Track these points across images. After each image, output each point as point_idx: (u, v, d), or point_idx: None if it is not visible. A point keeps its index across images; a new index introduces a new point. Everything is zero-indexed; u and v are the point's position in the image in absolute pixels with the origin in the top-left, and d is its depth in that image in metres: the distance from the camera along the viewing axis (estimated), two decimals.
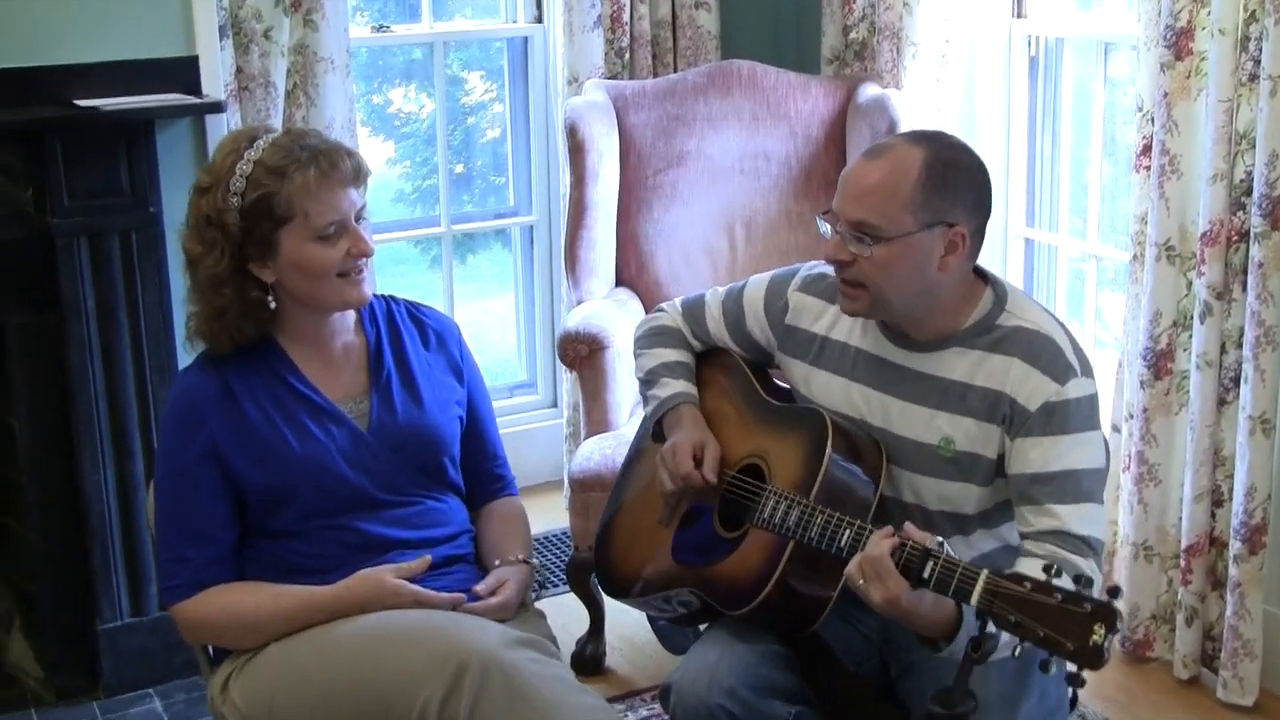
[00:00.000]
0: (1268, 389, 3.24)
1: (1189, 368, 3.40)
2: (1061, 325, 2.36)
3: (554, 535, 4.32)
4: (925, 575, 2.07)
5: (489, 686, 2.11)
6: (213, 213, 2.34)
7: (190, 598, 2.36)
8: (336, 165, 2.34)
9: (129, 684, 3.55)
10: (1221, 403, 3.37)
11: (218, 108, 3.48)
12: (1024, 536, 2.28)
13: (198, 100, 3.45)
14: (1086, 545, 2.24)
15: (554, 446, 4.60)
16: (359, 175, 2.39)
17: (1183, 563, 3.46)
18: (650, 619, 3.14)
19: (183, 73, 3.47)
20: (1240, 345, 3.28)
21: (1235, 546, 3.32)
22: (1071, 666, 1.94)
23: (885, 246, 2.26)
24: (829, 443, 2.33)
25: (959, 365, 2.33)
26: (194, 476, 2.36)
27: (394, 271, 5.51)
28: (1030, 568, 2.17)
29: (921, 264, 2.27)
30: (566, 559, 3.72)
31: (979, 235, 2.34)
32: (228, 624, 2.36)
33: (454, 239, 4.67)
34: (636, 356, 2.69)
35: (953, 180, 2.28)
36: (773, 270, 2.62)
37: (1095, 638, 1.91)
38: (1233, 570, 3.33)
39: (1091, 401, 2.31)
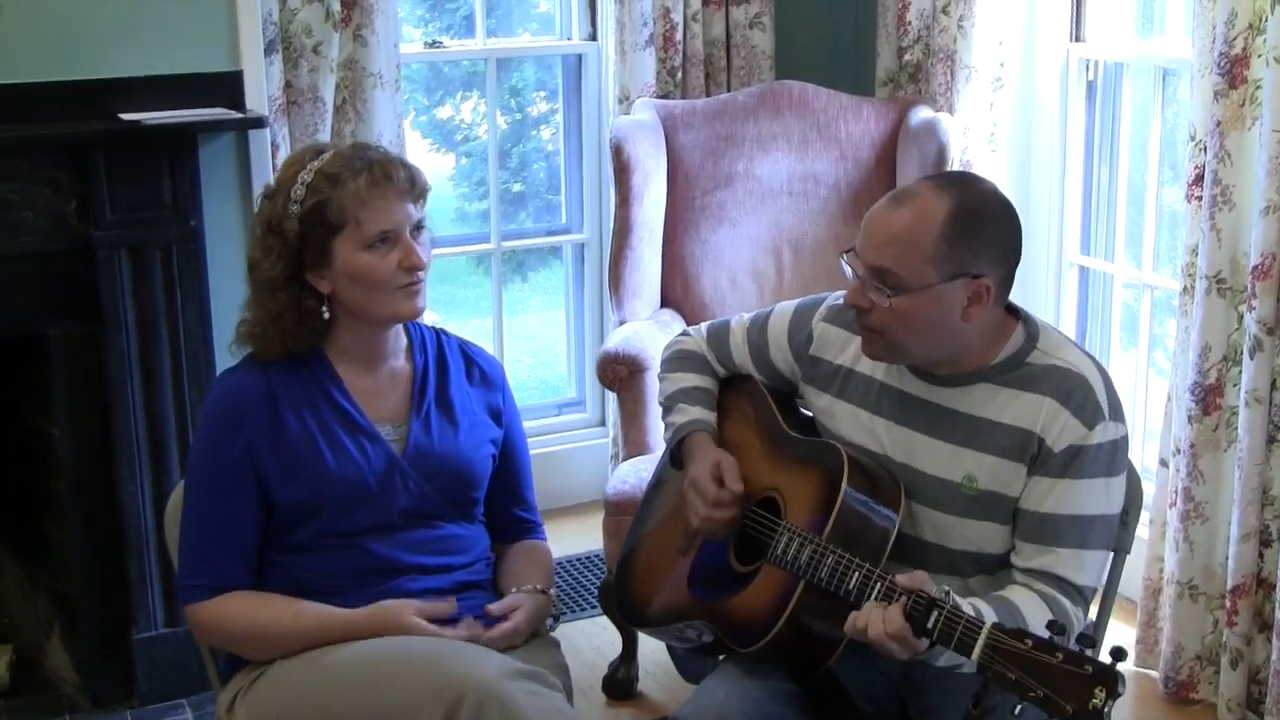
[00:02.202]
0: None
1: (1238, 404, 3.31)
2: (1096, 364, 2.31)
3: (596, 556, 4.29)
4: (929, 625, 2.04)
5: (485, 718, 2.09)
6: (274, 219, 2.36)
7: (209, 600, 2.37)
8: (390, 175, 2.35)
9: (163, 693, 3.57)
10: (1271, 440, 3.28)
11: (260, 123, 3.49)
12: (1018, 569, 2.25)
13: (241, 115, 3.46)
14: (1078, 593, 2.21)
15: (600, 465, 4.58)
16: (415, 188, 2.39)
17: (1229, 603, 3.37)
18: (669, 648, 3.10)
19: (227, 87, 3.48)
20: None
21: None
22: None
23: (905, 298, 2.20)
24: (844, 480, 2.28)
25: (987, 402, 2.28)
26: (228, 478, 2.36)
27: (450, 288, 5.53)
28: (1034, 605, 2.14)
29: (943, 315, 2.22)
30: (599, 582, 3.70)
31: (1007, 283, 2.28)
32: (241, 633, 2.37)
33: (510, 255, 4.67)
34: (659, 381, 2.66)
35: (978, 230, 2.21)
36: (799, 298, 2.58)
37: (1095, 701, 1.87)
38: (1279, 613, 3.24)
39: (1115, 446, 2.26)
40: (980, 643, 1.97)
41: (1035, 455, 2.24)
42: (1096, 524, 2.24)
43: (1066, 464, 2.22)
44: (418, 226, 2.40)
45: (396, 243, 2.36)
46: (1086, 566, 2.23)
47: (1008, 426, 2.26)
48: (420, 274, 2.40)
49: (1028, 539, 2.25)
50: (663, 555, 2.52)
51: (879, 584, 2.13)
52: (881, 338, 2.25)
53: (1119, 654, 1.90)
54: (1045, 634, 1.95)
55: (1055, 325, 4.15)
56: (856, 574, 2.17)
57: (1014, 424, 2.26)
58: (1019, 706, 1.93)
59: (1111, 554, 2.35)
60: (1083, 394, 2.24)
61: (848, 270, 2.27)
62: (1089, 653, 1.91)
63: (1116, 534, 2.44)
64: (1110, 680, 1.87)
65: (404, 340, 2.53)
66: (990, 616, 2.08)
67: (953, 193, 2.22)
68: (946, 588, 2.09)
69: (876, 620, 2.08)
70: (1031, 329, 2.33)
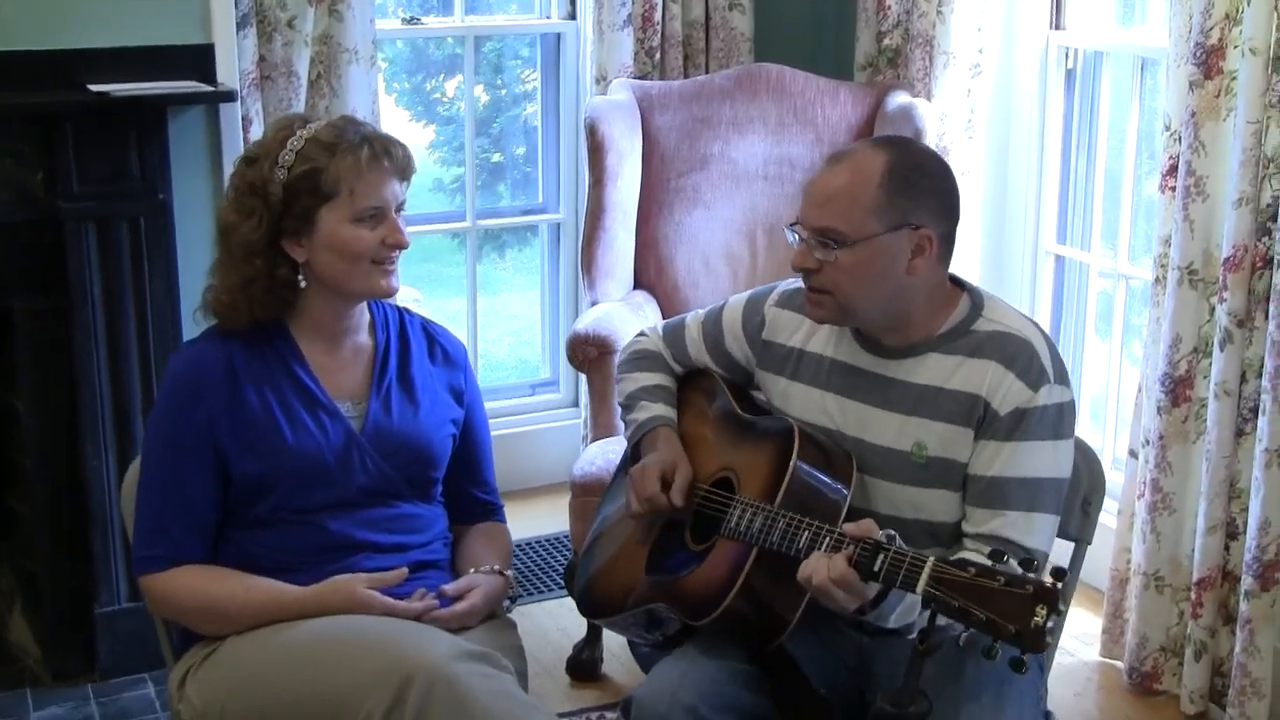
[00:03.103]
0: None
1: (1208, 396, 3.31)
2: (1040, 330, 2.35)
3: (565, 537, 4.28)
4: (876, 569, 2.07)
5: (434, 700, 2.08)
6: (257, 181, 2.35)
7: (164, 571, 2.35)
8: (389, 152, 2.37)
9: (125, 668, 3.55)
10: (1239, 433, 3.28)
11: (230, 97, 3.46)
12: (967, 535, 2.27)
13: (211, 89, 3.43)
14: (1029, 556, 2.19)
15: (573, 446, 4.56)
16: (406, 169, 2.41)
17: (1194, 595, 3.37)
18: (631, 644, 3.11)
19: (198, 60, 3.45)
20: (1260, 375, 3.19)
21: (1247, 582, 3.23)
22: (1014, 651, 1.93)
23: (850, 251, 2.24)
24: (795, 450, 2.31)
25: (934, 370, 2.31)
26: (187, 447, 2.35)
27: (436, 266, 5.52)
28: (975, 556, 2.15)
29: (888, 267, 2.26)
30: (566, 563, 3.69)
31: (948, 241, 2.32)
32: (194, 607, 2.35)
33: (488, 232, 4.64)
34: (618, 381, 2.69)
35: (916, 183, 2.26)
36: (751, 290, 2.61)
37: (1037, 619, 1.91)
38: (1244, 606, 3.24)
39: (1061, 409, 2.28)
40: (924, 575, 2.00)
41: (982, 419, 2.27)
42: (1044, 486, 2.26)
43: (1013, 427, 2.25)
44: (400, 206, 2.41)
45: (383, 220, 2.36)
46: (1036, 529, 2.26)
47: (954, 392, 2.29)
48: (398, 252, 2.40)
49: (977, 504, 2.28)
50: (621, 548, 2.53)
51: (828, 537, 2.15)
52: (831, 298, 2.29)
53: (1059, 573, 1.94)
54: (987, 562, 1.98)
55: (1030, 314, 4.18)
56: (807, 532, 2.19)
57: (960, 389, 2.29)
58: (963, 634, 1.97)
59: (1058, 518, 2.35)
60: (1027, 357, 2.28)
61: (792, 238, 2.31)
62: (1030, 575, 1.94)
63: (1078, 524, 2.46)
64: (1051, 597, 1.91)
65: (366, 317, 2.52)
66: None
67: (889, 149, 2.29)
68: (892, 531, 2.12)
69: (821, 567, 2.10)
70: (976, 298, 2.37)
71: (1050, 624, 1.91)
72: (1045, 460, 2.26)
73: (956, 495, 2.31)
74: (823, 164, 2.33)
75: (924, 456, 2.30)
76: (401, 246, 2.39)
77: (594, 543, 2.62)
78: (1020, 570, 1.95)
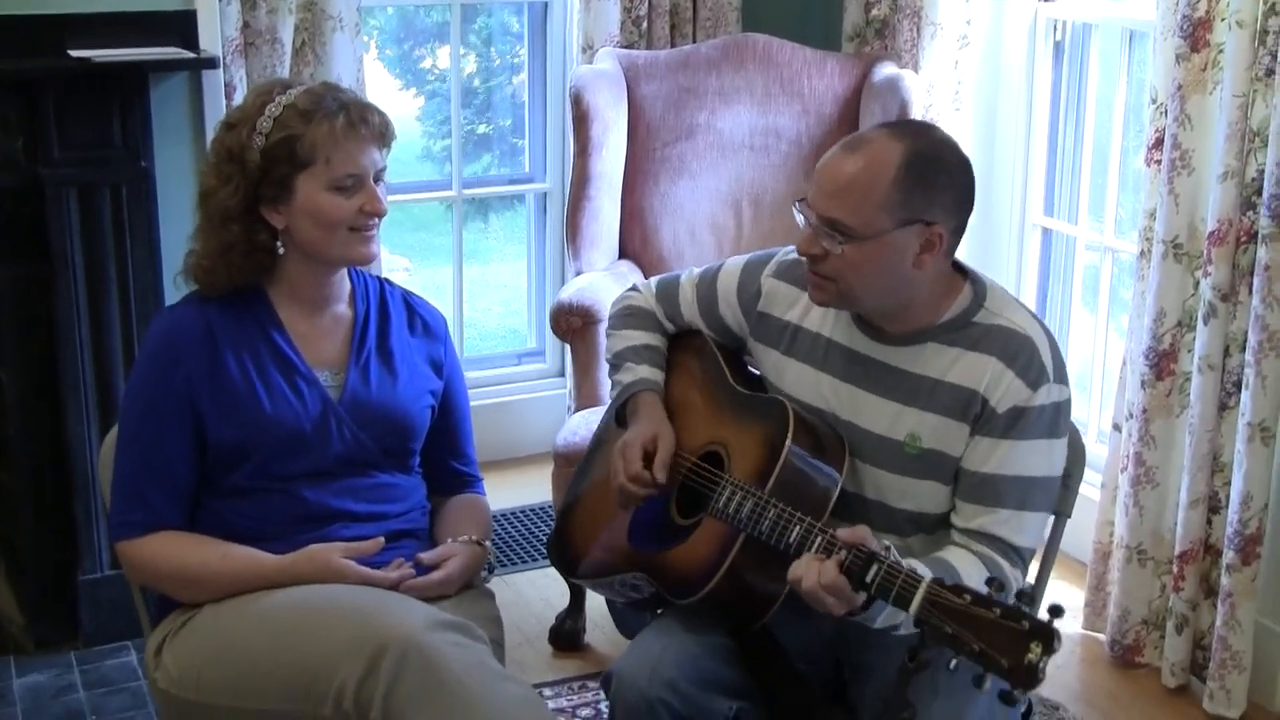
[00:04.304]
0: (1269, 396, 3.15)
1: (1191, 369, 3.30)
2: (1042, 326, 2.30)
3: (548, 506, 4.28)
4: (867, 580, 2.03)
5: (406, 670, 2.07)
6: (235, 148, 2.33)
7: (141, 537, 2.35)
8: (365, 119, 2.34)
9: (108, 635, 3.55)
10: (1223, 407, 3.28)
11: (212, 63, 3.45)
12: (957, 529, 2.24)
13: (194, 55, 3.41)
14: (1017, 554, 2.21)
15: (559, 416, 4.55)
16: (385, 135, 2.38)
17: (1175, 569, 3.37)
18: (608, 602, 3.09)
19: (180, 27, 3.44)
20: (1244, 349, 3.18)
21: (1229, 555, 3.24)
22: (1004, 685, 1.89)
23: (857, 246, 2.18)
24: (789, 435, 2.27)
25: (933, 361, 2.27)
26: (165, 411, 2.34)
27: (427, 235, 5.50)
28: (971, 566, 2.14)
29: (895, 263, 2.20)
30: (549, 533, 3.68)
31: (959, 233, 2.26)
32: (171, 573, 2.35)
33: (475, 201, 4.62)
34: (607, 337, 2.63)
35: (933, 178, 2.19)
36: (749, 254, 2.56)
37: (1031, 656, 1.86)
38: (1225, 580, 3.25)
39: (1058, 409, 2.25)
40: (919, 597, 1.96)
41: (978, 415, 2.23)
42: (1037, 486, 2.23)
43: (1009, 425, 2.22)
44: (379, 173, 2.39)
45: (360, 188, 2.35)
46: (1026, 528, 2.23)
47: (951, 385, 2.25)
48: (376, 220, 2.39)
49: (968, 499, 2.25)
50: (602, 510, 2.50)
51: (819, 538, 2.12)
52: (834, 285, 2.24)
53: (1056, 611, 1.89)
54: (984, 590, 1.95)
55: (1016, 287, 4.18)
56: (798, 528, 2.16)
57: (958, 383, 2.25)
58: (954, 660, 1.93)
59: (1052, 517, 2.35)
60: (1028, 355, 2.23)
61: (800, 218, 2.25)
62: (1027, 609, 1.90)
63: (1059, 497, 2.44)
64: (1046, 636, 1.86)
65: (347, 286, 2.51)
66: (928, 574, 2.08)
67: (908, 139, 2.20)
68: (888, 543, 2.09)
69: (812, 572, 2.07)
70: (979, 288, 2.31)
71: (1043, 664, 1.86)
72: (1040, 459, 2.23)
73: (946, 488, 2.28)
74: (837, 148, 2.23)
75: (917, 448, 2.27)
76: (379, 214, 2.37)
77: (575, 503, 2.60)
78: (1016, 604, 1.91)
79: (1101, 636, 3.61)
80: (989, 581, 1.98)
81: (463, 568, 2.42)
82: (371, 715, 2.09)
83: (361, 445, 2.41)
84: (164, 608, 2.41)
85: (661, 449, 2.38)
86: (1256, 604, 3.27)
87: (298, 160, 2.31)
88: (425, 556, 2.40)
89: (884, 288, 2.23)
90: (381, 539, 2.37)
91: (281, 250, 2.38)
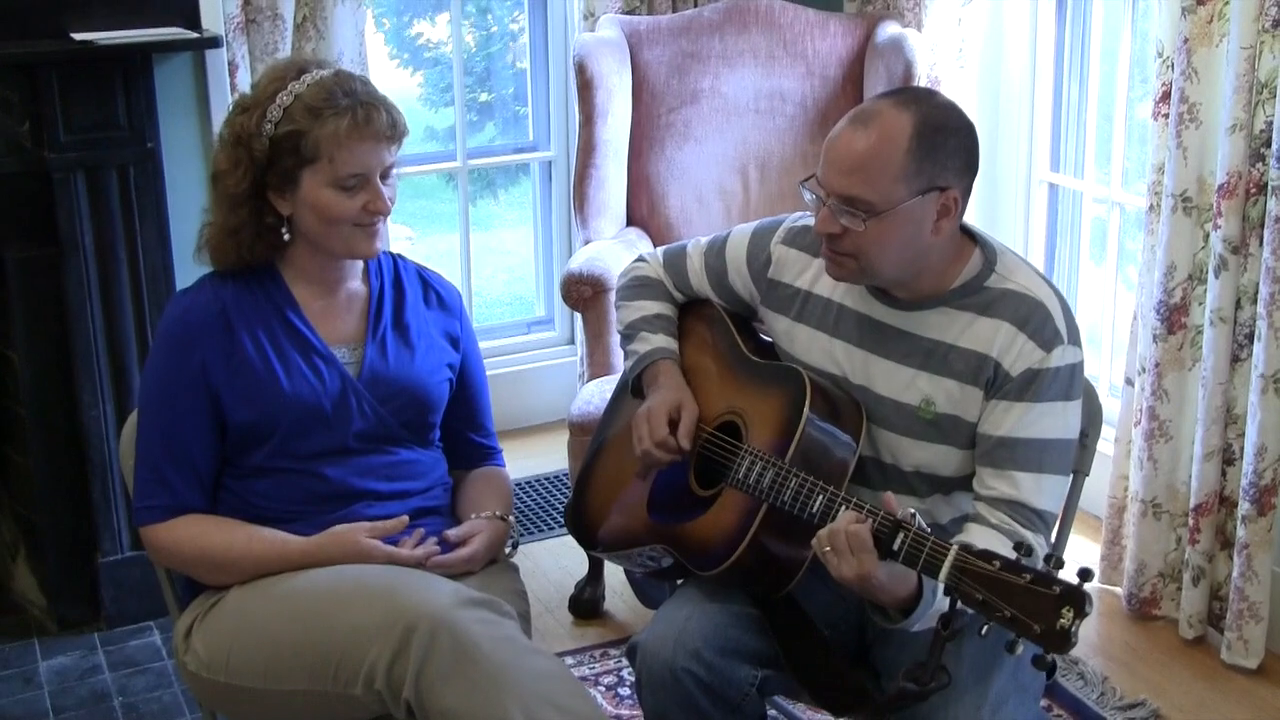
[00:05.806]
0: None
1: (1203, 323, 3.31)
2: (1053, 289, 2.30)
3: (564, 475, 4.29)
4: (895, 547, 2.04)
5: (436, 649, 2.09)
6: (244, 134, 2.33)
7: (164, 522, 2.35)
8: (371, 119, 2.31)
9: (130, 616, 3.58)
10: (1235, 359, 3.28)
11: (215, 43, 3.43)
12: (978, 498, 2.25)
13: (196, 35, 3.40)
14: (1039, 518, 2.21)
15: (569, 384, 4.57)
16: (395, 132, 2.36)
17: (1191, 521, 3.39)
18: (627, 573, 3.11)
19: (183, 6, 3.41)
20: (1255, 301, 3.19)
21: (1244, 507, 3.25)
22: (1038, 649, 1.90)
23: (878, 220, 2.17)
24: (807, 404, 2.28)
25: (945, 326, 2.27)
26: (183, 396, 2.34)
27: (428, 202, 5.48)
28: (995, 541, 2.13)
29: (915, 232, 2.20)
30: (566, 502, 3.69)
31: (967, 195, 2.26)
32: (196, 557, 2.35)
33: (480, 172, 4.61)
34: (617, 309, 2.63)
35: (943, 143, 2.18)
36: (757, 221, 2.56)
37: (1063, 621, 1.87)
38: (1241, 531, 3.26)
39: (1073, 371, 2.25)
40: (948, 563, 1.97)
41: (992, 379, 2.24)
42: (1054, 448, 2.24)
43: (1024, 388, 2.22)
44: (387, 170, 2.37)
45: (365, 186, 2.33)
46: (1045, 490, 2.23)
47: (964, 350, 2.25)
48: (380, 217, 2.38)
49: (986, 464, 2.25)
50: (619, 481, 2.51)
51: (843, 507, 2.13)
52: (853, 260, 2.22)
53: (1086, 574, 1.90)
54: (1013, 555, 1.95)
55: (1024, 243, 4.18)
56: (821, 497, 2.17)
57: (971, 348, 2.25)
58: (986, 627, 1.93)
59: (1070, 478, 2.35)
60: (1040, 318, 2.23)
61: (808, 196, 2.24)
62: (1056, 573, 1.91)
63: (1077, 456, 2.44)
64: (1078, 600, 1.87)
65: (359, 264, 2.50)
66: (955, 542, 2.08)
67: (914, 107, 2.19)
68: (913, 510, 2.09)
69: (840, 528, 2.07)
70: (989, 253, 2.31)
71: (1075, 628, 1.87)
72: (1056, 421, 2.23)
73: (962, 452, 2.28)
74: (845, 124, 2.22)
75: (932, 413, 2.27)
76: (383, 213, 2.36)
77: (591, 476, 2.60)
78: (1046, 568, 1.91)
79: (1118, 590, 3.63)
80: (1017, 546, 1.99)
81: (487, 544, 2.43)
82: (404, 694, 2.10)
83: (382, 420, 2.42)
84: (192, 591, 2.42)
85: (685, 416, 2.39)
86: (1273, 554, 3.28)
87: (302, 156, 2.30)
88: (450, 533, 2.41)
89: (904, 259, 2.23)
90: (406, 518, 2.38)
91: (287, 236, 2.38)
